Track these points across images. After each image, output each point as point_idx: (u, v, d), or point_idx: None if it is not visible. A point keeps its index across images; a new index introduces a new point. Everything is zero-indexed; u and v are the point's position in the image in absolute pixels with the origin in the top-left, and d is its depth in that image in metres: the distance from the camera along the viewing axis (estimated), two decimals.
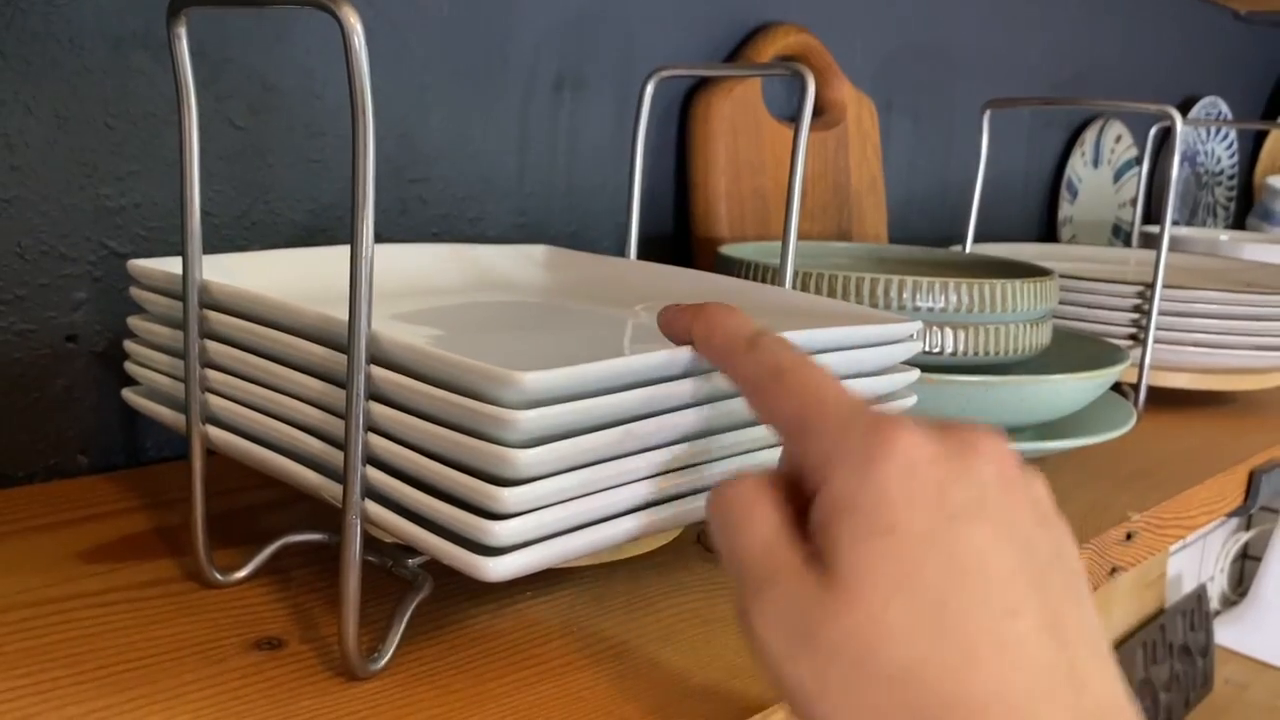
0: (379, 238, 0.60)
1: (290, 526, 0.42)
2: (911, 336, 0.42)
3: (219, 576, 0.39)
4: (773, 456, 0.37)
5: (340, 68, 0.29)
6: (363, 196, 0.30)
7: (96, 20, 0.48)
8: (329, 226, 0.58)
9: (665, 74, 0.54)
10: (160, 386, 0.41)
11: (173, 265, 0.40)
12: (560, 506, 0.31)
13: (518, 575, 0.30)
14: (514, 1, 0.64)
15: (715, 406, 0.34)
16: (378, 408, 0.32)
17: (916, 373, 0.43)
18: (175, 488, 0.49)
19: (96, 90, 0.49)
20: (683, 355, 0.33)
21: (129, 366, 0.43)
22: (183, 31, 0.35)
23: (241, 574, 0.39)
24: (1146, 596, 1.39)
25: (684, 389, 0.33)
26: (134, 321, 0.42)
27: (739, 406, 0.34)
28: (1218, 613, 1.62)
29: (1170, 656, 1.40)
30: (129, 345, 0.43)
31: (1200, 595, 1.53)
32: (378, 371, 0.32)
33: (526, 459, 0.29)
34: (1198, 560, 1.60)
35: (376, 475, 0.32)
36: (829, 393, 0.27)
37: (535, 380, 0.29)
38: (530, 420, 0.29)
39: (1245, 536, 1.72)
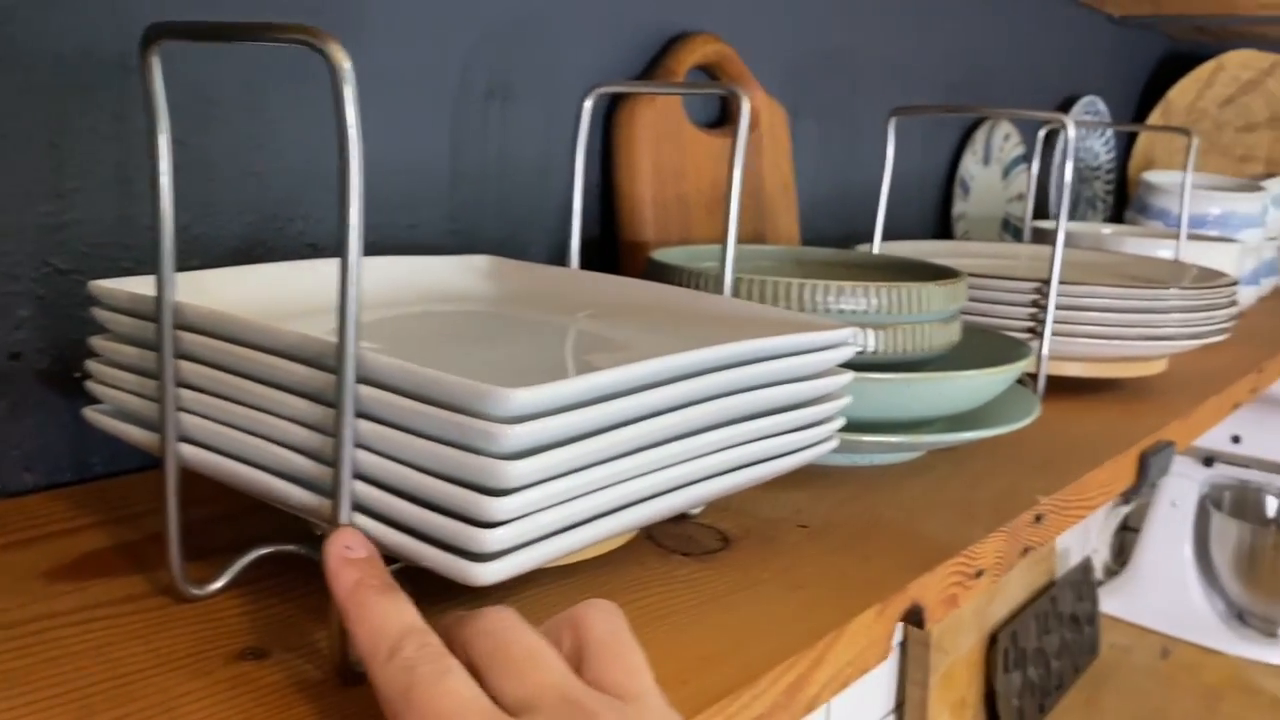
0: (318, 248, 0.61)
1: (252, 538, 0.43)
2: (850, 341, 0.45)
3: (193, 591, 0.40)
4: (752, 451, 0.40)
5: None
6: (352, 226, 0.31)
7: (37, 39, 0.48)
8: (268, 238, 0.58)
9: (602, 90, 0.56)
10: (128, 406, 0.42)
11: (135, 285, 0.41)
12: (546, 512, 0.33)
13: (507, 579, 0.32)
14: (444, 11, 0.65)
15: (693, 409, 0.36)
16: (365, 424, 0.34)
17: (852, 375, 0.46)
18: (127, 502, 0.49)
19: (37, 108, 0.48)
20: (661, 365, 0.35)
21: (92, 386, 0.43)
22: (155, 62, 0.36)
23: (215, 586, 0.40)
24: (1038, 570, 1.47)
25: (662, 395, 0.35)
26: (98, 342, 0.43)
27: (720, 408, 0.37)
28: (1101, 582, 1.73)
29: (1060, 626, 1.49)
30: (92, 365, 0.43)
31: (1086, 567, 1.63)
32: (365, 390, 0.33)
33: (516, 470, 0.31)
34: (1083, 534, 1.69)
35: (364, 489, 0.34)
36: None
37: (525, 396, 0.31)
38: (520, 434, 0.31)
39: (1125, 510, 1.83)
